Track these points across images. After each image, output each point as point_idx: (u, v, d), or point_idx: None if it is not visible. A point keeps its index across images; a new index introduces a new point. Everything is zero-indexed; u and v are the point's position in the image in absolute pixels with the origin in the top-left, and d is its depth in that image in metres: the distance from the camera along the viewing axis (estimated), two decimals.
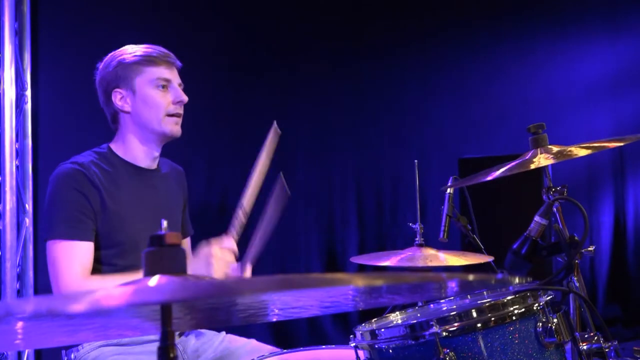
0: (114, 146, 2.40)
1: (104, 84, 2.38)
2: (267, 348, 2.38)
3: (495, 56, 5.65)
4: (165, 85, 2.36)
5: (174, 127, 2.37)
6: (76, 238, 2.21)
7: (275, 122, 2.42)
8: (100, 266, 2.27)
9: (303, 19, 5.19)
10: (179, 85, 2.41)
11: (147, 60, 2.35)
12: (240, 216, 2.37)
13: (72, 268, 2.19)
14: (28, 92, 4.07)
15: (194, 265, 2.21)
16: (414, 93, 5.49)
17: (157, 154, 2.44)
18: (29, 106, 4.08)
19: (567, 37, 5.71)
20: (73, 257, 2.20)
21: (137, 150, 2.39)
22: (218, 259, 2.20)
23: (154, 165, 2.45)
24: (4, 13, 3.93)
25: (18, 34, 4.07)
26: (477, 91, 5.59)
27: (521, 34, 5.64)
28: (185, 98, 2.38)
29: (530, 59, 5.69)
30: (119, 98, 2.35)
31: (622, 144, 2.17)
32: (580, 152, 2.06)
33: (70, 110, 4.15)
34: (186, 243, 2.68)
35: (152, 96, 2.34)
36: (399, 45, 5.41)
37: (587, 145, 2.10)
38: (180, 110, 2.39)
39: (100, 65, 2.41)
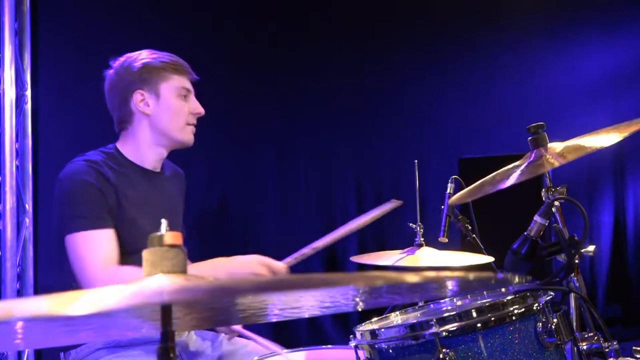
0: (121, 147, 2.40)
1: (124, 84, 2.35)
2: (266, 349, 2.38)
3: (496, 56, 5.65)
4: (186, 95, 2.40)
5: (190, 137, 2.43)
6: (97, 227, 2.20)
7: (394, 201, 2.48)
8: None
9: (303, 20, 5.19)
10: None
11: (174, 68, 2.37)
12: (307, 252, 2.36)
13: (98, 257, 2.17)
14: (28, 92, 4.07)
15: (236, 264, 2.21)
16: (414, 93, 5.49)
17: (164, 157, 2.45)
18: (29, 106, 4.08)
19: (567, 37, 5.71)
20: (97, 246, 2.19)
21: (147, 153, 2.39)
22: (259, 274, 2.18)
23: (158, 168, 2.45)
24: (4, 13, 3.93)
25: (18, 34, 4.07)
26: (477, 91, 5.59)
27: (521, 33, 5.64)
28: (203, 110, 2.44)
29: (531, 59, 5.69)
30: (139, 100, 2.34)
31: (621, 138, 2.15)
32: (599, 142, 2.02)
33: (70, 110, 4.15)
34: None
35: (175, 105, 2.37)
36: (400, 45, 5.41)
37: (610, 129, 2.06)
38: (195, 121, 2.44)
39: (116, 65, 2.39)
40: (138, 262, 2.21)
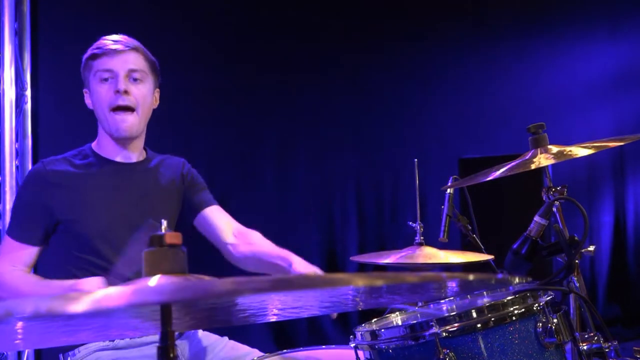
0: (93, 143, 2.43)
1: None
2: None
3: (496, 56, 5.65)
4: (107, 77, 2.28)
5: (118, 126, 2.27)
6: (23, 241, 2.29)
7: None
8: (78, 264, 2.27)
9: (303, 19, 5.19)
10: (130, 72, 2.27)
11: (92, 55, 2.33)
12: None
13: (10, 262, 2.27)
14: (28, 92, 4.08)
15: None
16: (414, 92, 5.49)
17: (129, 148, 2.38)
18: (29, 106, 4.08)
19: (568, 37, 5.71)
20: (16, 255, 2.28)
21: (108, 146, 2.39)
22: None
23: (133, 159, 2.40)
24: (4, 13, 3.93)
25: (18, 34, 4.07)
26: (478, 91, 5.59)
27: (522, 33, 5.64)
28: (122, 86, 2.23)
29: (531, 59, 5.68)
30: (87, 98, 2.39)
31: (622, 143, 2.17)
32: (580, 152, 2.05)
33: (70, 111, 4.14)
34: (217, 210, 2.55)
35: (97, 91, 2.31)
36: (400, 44, 5.41)
37: (588, 145, 2.09)
38: (125, 102, 2.26)
39: None
40: (108, 256, 2.24)
